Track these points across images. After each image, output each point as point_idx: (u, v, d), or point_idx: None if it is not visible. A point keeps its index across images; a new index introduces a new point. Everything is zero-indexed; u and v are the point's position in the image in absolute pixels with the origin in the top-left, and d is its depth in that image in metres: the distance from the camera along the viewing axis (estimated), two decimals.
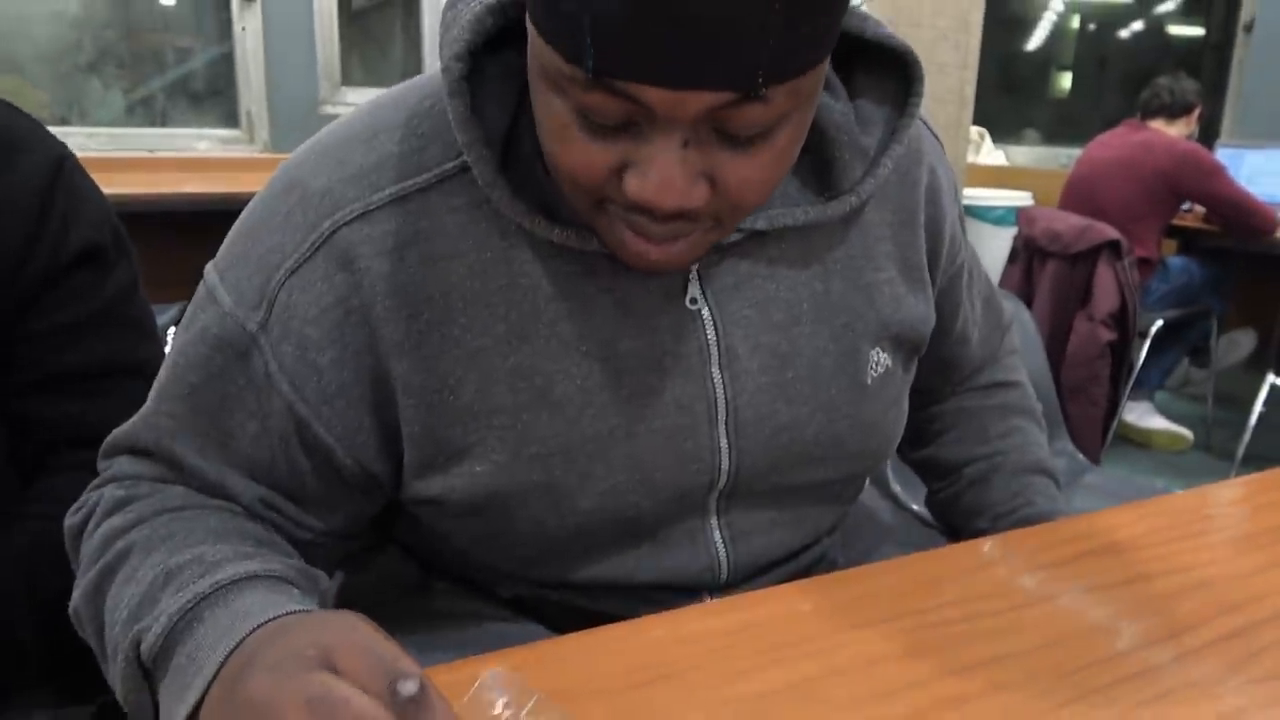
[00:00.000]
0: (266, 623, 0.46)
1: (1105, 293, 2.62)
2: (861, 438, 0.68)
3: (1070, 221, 2.66)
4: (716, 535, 0.66)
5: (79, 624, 0.56)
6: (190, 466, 0.57)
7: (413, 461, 0.58)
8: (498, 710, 0.45)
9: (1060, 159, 4.16)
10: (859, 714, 0.52)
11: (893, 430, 0.71)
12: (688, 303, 0.60)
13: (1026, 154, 4.44)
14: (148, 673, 0.49)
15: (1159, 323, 2.82)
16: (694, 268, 0.60)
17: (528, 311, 0.57)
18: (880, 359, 0.68)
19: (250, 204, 0.60)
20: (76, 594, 0.55)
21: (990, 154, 4.25)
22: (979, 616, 0.61)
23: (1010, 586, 0.66)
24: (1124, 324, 2.64)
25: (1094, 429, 2.65)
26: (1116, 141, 2.84)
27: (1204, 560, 0.71)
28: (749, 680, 0.55)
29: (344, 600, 0.74)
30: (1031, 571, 0.68)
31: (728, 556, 0.67)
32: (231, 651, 0.45)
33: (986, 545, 0.74)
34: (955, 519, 0.86)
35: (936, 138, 0.72)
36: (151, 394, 0.59)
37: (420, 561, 0.73)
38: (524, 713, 0.44)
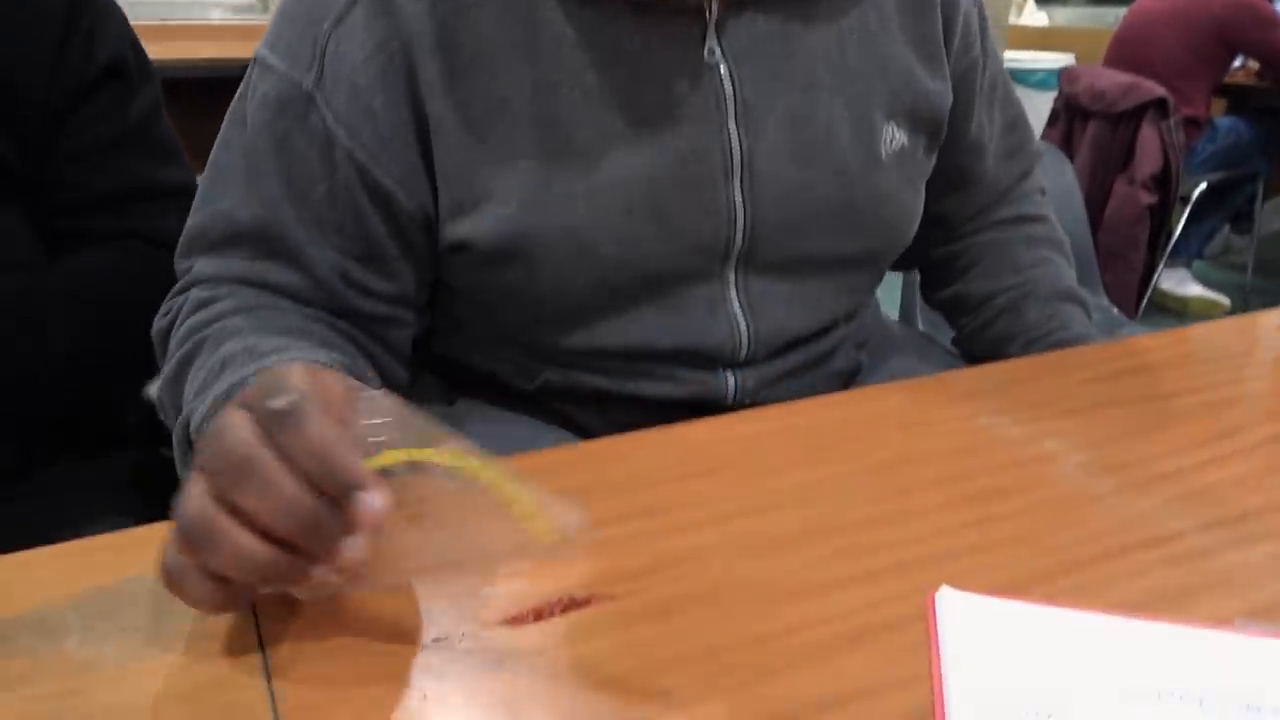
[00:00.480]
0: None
1: (1148, 154, 2.53)
2: (875, 209, 0.69)
3: (1115, 79, 2.54)
4: (735, 305, 0.67)
5: (163, 411, 0.59)
6: (269, 239, 0.59)
7: (446, 202, 0.61)
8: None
9: (1106, 19, 3.96)
10: (895, 505, 0.52)
11: (909, 210, 0.72)
12: (705, 55, 0.62)
13: (1070, 14, 4.23)
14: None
15: (1202, 186, 2.73)
16: (711, 21, 0.61)
17: (552, 61, 0.59)
18: (895, 134, 0.69)
19: None
20: (159, 383, 0.58)
21: (1032, 15, 4.06)
22: (1019, 424, 0.61)
23: (1050, 398, 0.65)
24: (1166, 187, 2.56)
25: (1129, 295, 2.61)
26: None
27: (1249, 375, 0.70)
28: (787, 475, 0.55)
29: None
30: (1072, 385, 0.68)
31: (747, 327, 0.68)
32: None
33: (1024, 362, 0.73)
34: (985, 349, 0.84)
35: None
36: (210, 180, 0.61)
37: (451, 383, 0.73)
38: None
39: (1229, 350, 0.77)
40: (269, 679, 0.39)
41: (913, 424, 0.62)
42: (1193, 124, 2.66)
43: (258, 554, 0.36)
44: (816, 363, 0.74)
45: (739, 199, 0.64)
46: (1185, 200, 2.77)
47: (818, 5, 0.65)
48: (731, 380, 0.69)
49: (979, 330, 0.85)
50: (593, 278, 0.63)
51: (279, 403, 0.37)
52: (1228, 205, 2.91)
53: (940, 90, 0.71)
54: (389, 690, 0.39)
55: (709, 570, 0.47)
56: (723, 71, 0.62)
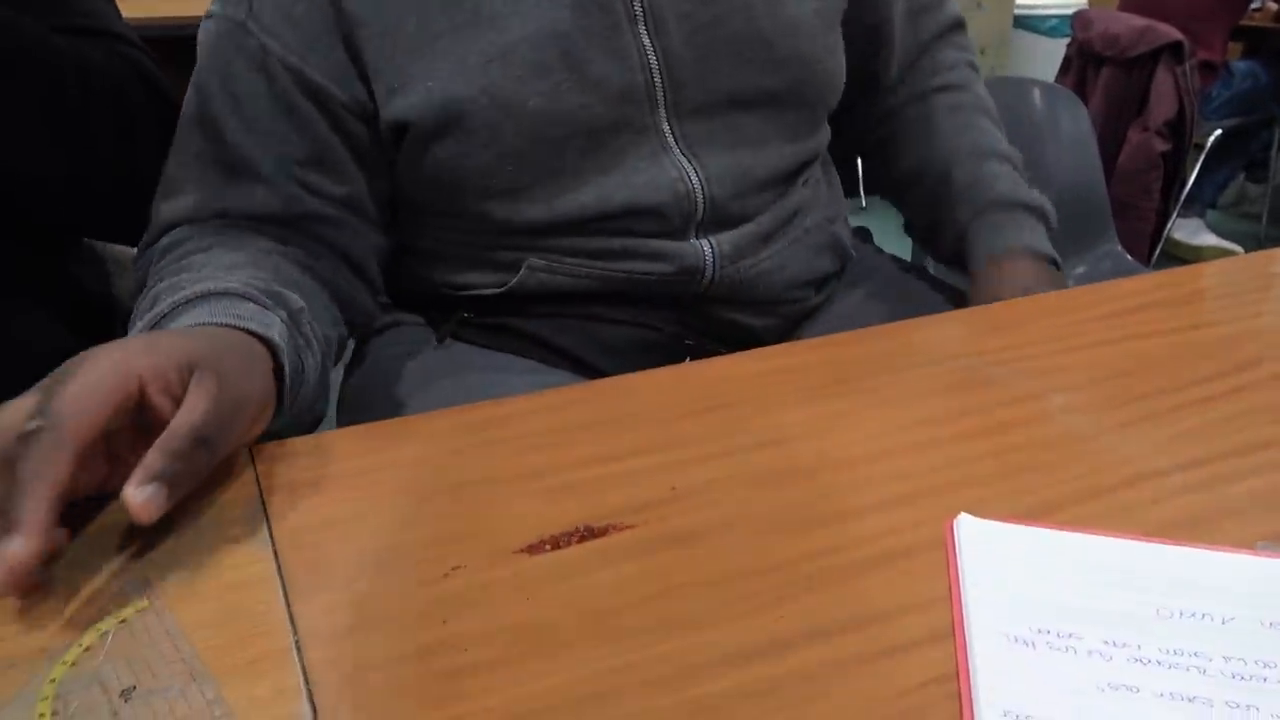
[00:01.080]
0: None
1: (1163, 100, 2.48)
2: (789, 41, 0.70)
3: (1129, 23, 2.49)
4: (677, 153, 0.69)
5: None
6: (224, 162, 0.63)
7: (379, 90, 0.64)
8: None
9: None
10: (908, 438, 0.52)
11: (824, 43, 0.74)
12: None
13: None
14: None
15: (1217, 133, 2.68)
16: None
17: None
18: None
19: None
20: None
21: None
22: (1032, 359, 0.60)
23: (1062, 334, 0.64)
24: (1180, 134, 2.52)
25: (1141, 245, 2.58)
26: None
27: (1266, 310, 0.69)
28: (799, 409, 0.55)
29: (373, 362, 0.76)
30: (1085, 322, 0.67)
31: (696, 173, 0.70)
32: None
33: (1034, 300, 0.73)
34: (930, 229, 0.87)
35: None
36: (177, 134, 0.65)
37: (436, 319, 0.76)
38: None
39: (1243, 286, 0.76)
40: (289, 607, 0.39)
41: (923, 362, 0.61)
42: (1209, 68, 2.61)
43: None
44: (788, 221, 0.76)
45: (647, 42, 0.66)
46: (1200, 148, 2.73)
47: None
48: (707, 248, 0.71)
49: (919, 209, 0.88)
50: (527, 138, 0.65)
51: (30, 425, 0.39)
52: (1243, 153, 2.86)
53: None
54: (409, 618, 0.39)
55: (725, 500, 0.46)
56: None
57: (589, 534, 0.44)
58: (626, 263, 0.71)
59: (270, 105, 0.63)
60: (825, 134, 0.82)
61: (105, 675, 0.35)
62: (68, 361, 0.42)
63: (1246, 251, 2.89)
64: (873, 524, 0.45)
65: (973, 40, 0.92)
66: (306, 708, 0.34)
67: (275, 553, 0.42)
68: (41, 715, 0.33)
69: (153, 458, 0.40)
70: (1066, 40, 2.76)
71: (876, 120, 0.88)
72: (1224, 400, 0.56)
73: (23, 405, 0.40)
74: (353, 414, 0.73)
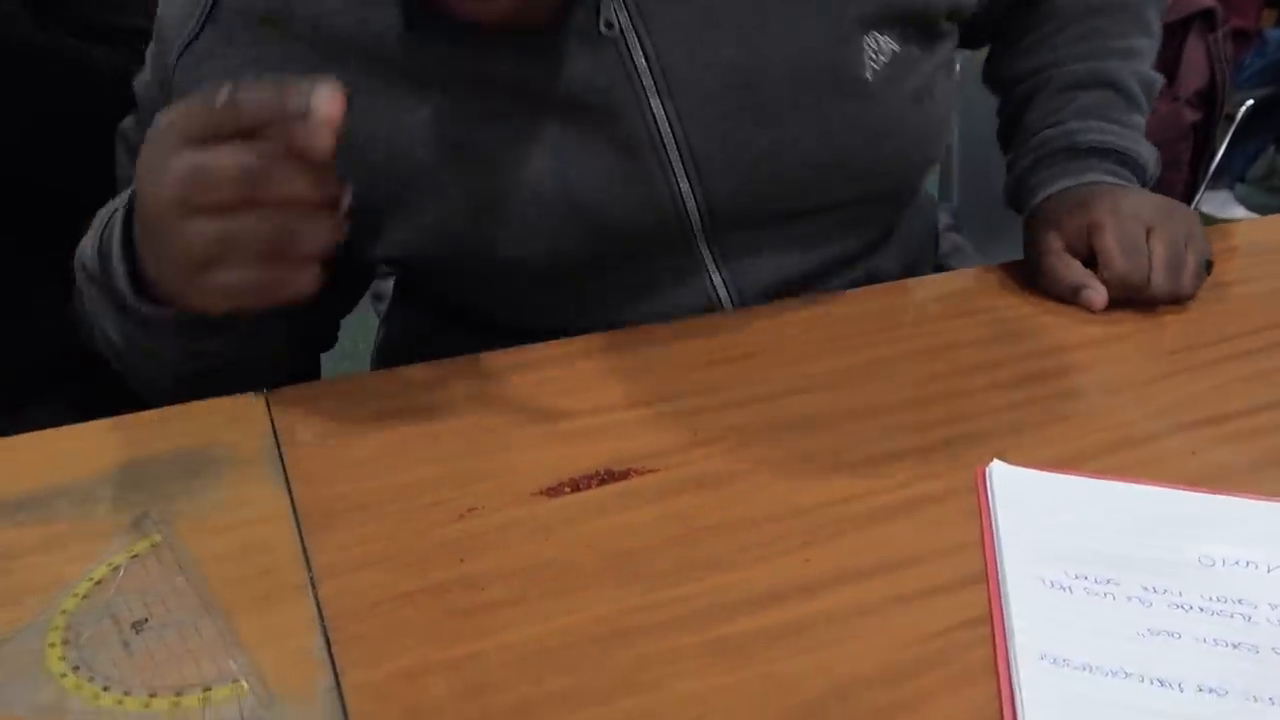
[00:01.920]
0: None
1: (1193, 69, 2.42)
2: (873, 151, 0.57)
3: None
4: (713, 275, 0.59)
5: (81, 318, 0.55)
6: None
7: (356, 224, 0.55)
8: None
9: None
10: (939, 387, 0.51)
11: (926, 126, 0.59)
12: (602, 28, 0.51)
13: None
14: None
15: (1249, 103, 2.63)
16: None
17: (421, 60, 0.51)
18: (880, 45, 0.56)
19: None
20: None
21: None
22: (1066, 312, 0.59)
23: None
24: (1211, 104, 2.46)
25: None
26: None
27: None
28: (826, 360, 0.53)
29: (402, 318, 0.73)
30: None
31: (727, 292, 0.59)
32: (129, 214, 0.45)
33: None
34: (1008, 149, 0.71)
35: None
36: None
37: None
38: None
39: (1277, 245, 0.73)
40: (303, 542, 0.38)
41: (953, 314, 0.59)
42: (1242, 36, 2.56)
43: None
44: (836, 276, 0.64)
45: (684, 186, 0.54)
46: (1230, 119, 2.67)
47: None
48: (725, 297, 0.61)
49: (1003, 126, 0.72)
50: (539, 265, 0.55)
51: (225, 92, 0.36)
52: (1274, 124, 2.80)
53: None
54: (425, 557, 0.38)
55: (750, 446, 0.45)
56: (629, 40, 0.51)
57: (610, 477, 0.43)
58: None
59: None
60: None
61: (117, 607, 0.34)
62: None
63: None
64: (901, 471, 0.43)
65: None
66: (320, 640, 0.33)
67: (290, 491, 0.41)
68: (52, 645, 0.33)
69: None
70: None
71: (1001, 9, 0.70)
72: (1261, 355, 0.54)
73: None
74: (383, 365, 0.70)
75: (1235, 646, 0.33)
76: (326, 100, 0.35)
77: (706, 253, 0.58)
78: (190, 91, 0.42)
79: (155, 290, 0.44)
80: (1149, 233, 0.59)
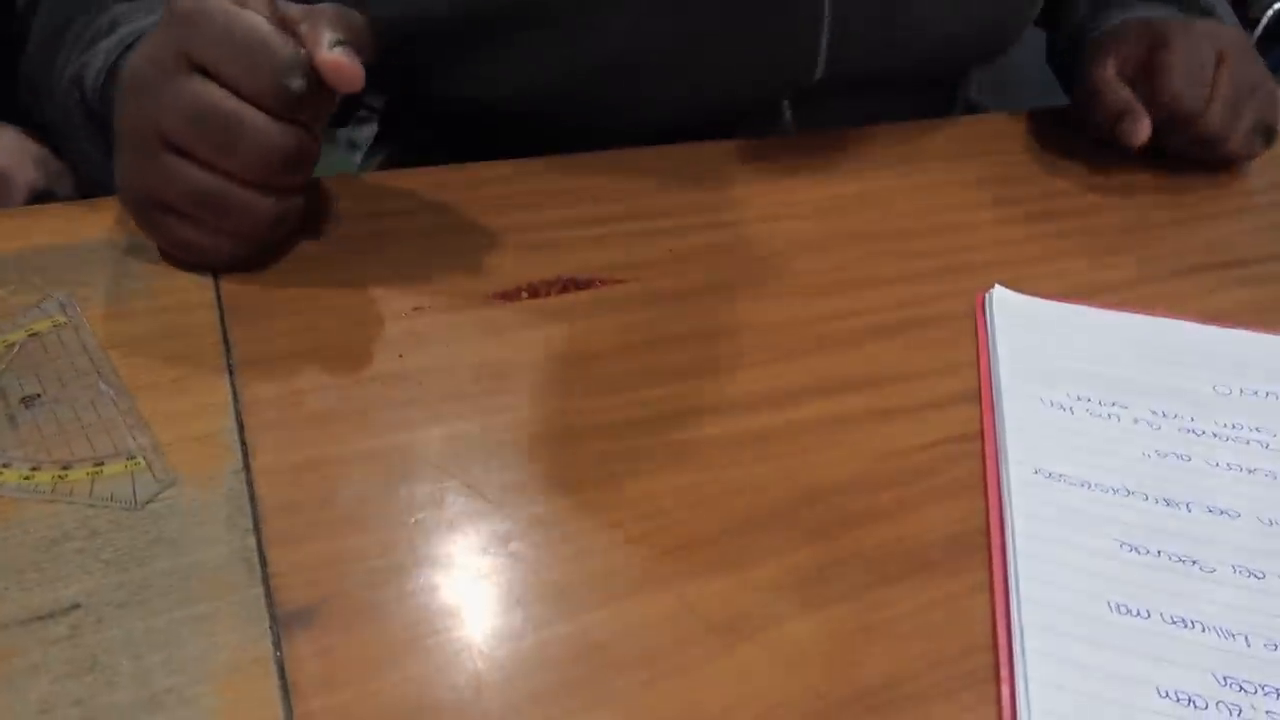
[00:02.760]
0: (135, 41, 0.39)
1: None
2: (994, 16, 0.55)
3: None
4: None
5: (31, 89, 0.49)
6: None
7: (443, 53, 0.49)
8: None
9: None
10: (943, 219, 0.46)
11: None
12: None
13: None
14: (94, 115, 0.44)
15: (1276, 6, 2.52)
16: None
17: None
18: None
19: None
20: (26, 57, 0.49)
21: None
22: (1089, 154, 0.54)
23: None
24: (1239, 6, 2.36)
25: None
26: None
27: None
28: (821, 189, 0.49)
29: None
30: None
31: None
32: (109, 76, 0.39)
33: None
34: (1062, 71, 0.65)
35: None
36: None
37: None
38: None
39: None
40: (224, 330, 0.34)
41: (961, 154, 0.55)
42: None
43: (276, 132, 0.33)
44: None
45: (823, 42, 0.51)
46: (1254, 25, 2.56)
47: None
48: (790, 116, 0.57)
49: (1056, 56, 0.65)
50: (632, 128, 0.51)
51: (298, 84, 0.33)
52: None
53: None
54: (360, 351, 0.34)
55: (728, 264, 0.41)
56: None
57: (572, 285, 0.39)
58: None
59: None
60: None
61: (6, 383, 0.31)
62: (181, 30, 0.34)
63: None
64: (895, 293, 0.39)
65: None
66: (233, 423, 0.29)
67: (216, 282, 0.37)
68: None
69: (328, 31, 0.34)
70: None
71: None
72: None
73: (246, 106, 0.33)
74: None
75: (1251, 471, 0.30)
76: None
77: (788, 114, 0.55)
78: None
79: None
80: (1219, 61, 0.51)
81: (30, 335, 0.33)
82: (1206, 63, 0.51)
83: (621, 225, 0.44)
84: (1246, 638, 0.24)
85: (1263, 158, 0.55)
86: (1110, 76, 0.52)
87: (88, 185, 0.57)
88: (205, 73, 0.33)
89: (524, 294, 0.38)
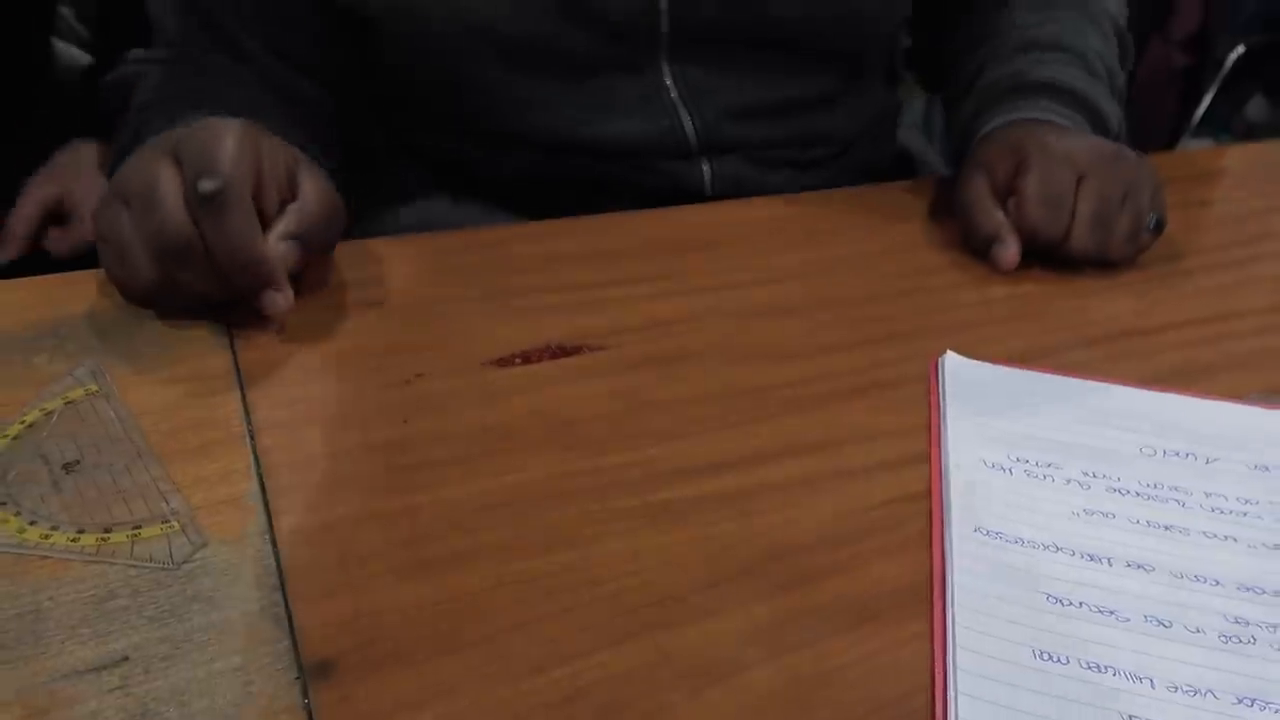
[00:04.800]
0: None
1: (1187, 10, 2.40)
2: (842, 5, 0.58)
3: None
4: (671, 93, 0.59)
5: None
6: (207, 27, 0.55)
7: None
8: None
9: None
10: (902, 284, 0.50)
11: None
12: None
13: None
14: None
15: (1240, 49, 2.60)
16: None
17: None
18: None
19: None
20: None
21: None
22: None
23: None
24: (1203, 48, 2.44)
25: None
26: None
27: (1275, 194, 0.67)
28: (789, 254, 0.53)
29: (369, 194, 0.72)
30: None
31: (690, 116, 0.60)
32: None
33: None
34: (951, 117, 0.67)
35: None
36: None
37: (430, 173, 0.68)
38: None
39: (1257, 174, 0.73)
40: (244, 398, 0.38)
41: (922, 216, 0.59)
42: None
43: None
44: (790, 141, 0.64)
45: None
46: (1220, 65, 2.65)
47: None
48: (706, 168, 0.62)
49: (952, 103, 0.67)
50: (491, 60, 0.56)
51: (208, 186, 0.37)
52: (1265, 73, 2.78)
53: None
54: (367, 416, 0.37)
55: (706, 330, 0.45)
56: None
57: (561, 352, 0.42)
58: (613, 168, 0.61)
59: None
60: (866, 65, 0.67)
61: (48, 449, 0.34)
62: (183, 130, 0.40)
63: None
64: (856, 358, 0.43)
65: None
66: (256, 487, 0.33)
67: (234, 351, 0.40)
68: None
69: (290, 221, 0.42)
70: None
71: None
72: (1224, 270, 0.55)
73: (172, 173, 0.39)
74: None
75: (1167, 528, 0.34)
76: (273, 309, 0.41)
77: (667, 69, 0.59)
78: None
79: None
80: (1079, 181, 0.52)
81: (66, 403, 0.36)
82: (1065, 189, 0.52)
83: (606, 290, 0.48)
84: (1152, 681, 0.28)
85: (1206, 225, 0.60)
86: (980, 195, 0.54)
87: None
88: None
89: (517, 360, 0.41)
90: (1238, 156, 0.79)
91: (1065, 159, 0.52)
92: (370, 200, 0.69)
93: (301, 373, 0.40)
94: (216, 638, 0.27)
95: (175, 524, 0.31)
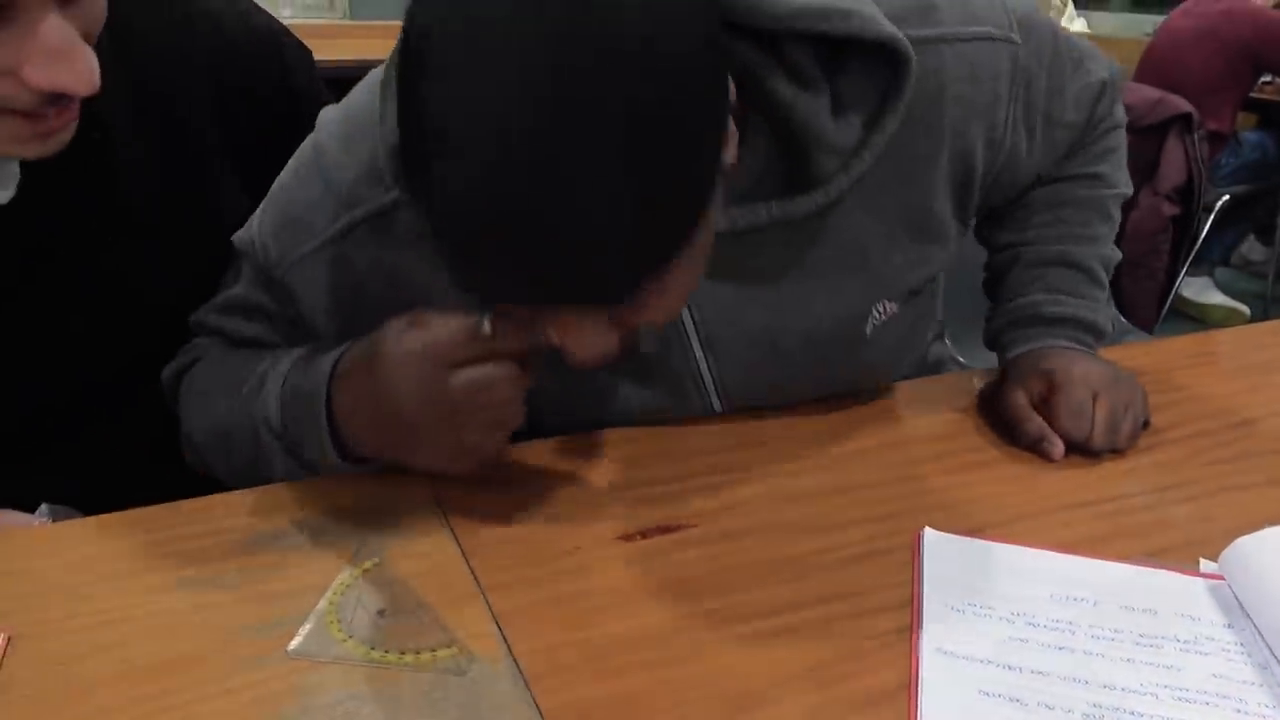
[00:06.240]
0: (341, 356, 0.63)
1: (1172, 167, 2.65)
2: (856, 376, 0.79)
3: (1143, 94, 2.67)
4: (710, 383, 0.75)
5: (190, 447, 0.73)
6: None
7: None
8: None
9: (1145, 27, 4.06)
10: (897, 472, 0.71)
11: (898, 356, 0.79)
12: None
13: (1111, 21, 4.32)
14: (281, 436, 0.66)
15: (1225, 197, 2.85)
16: None
17: None
18: (885, 309, 0.74)
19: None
20: (193, 422, 0.72)
21: (1072, 20, 4.16)
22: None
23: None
24: (1189, 199, 2.69)
25: (1150, 302, 2.74)
26: (1199, 10, 2.81)
27: (1187, 384, 0.88)
28: (819, 447, 0.74)
29: None
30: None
31: (720, 395, 0.76)
32: (334, 370, 0.63)
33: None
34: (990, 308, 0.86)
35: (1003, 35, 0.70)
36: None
37: None
38: None
39: (1178, 363, 0.94)
40: (470, 566, 0.59)
41: (920, 413, 0.80)
42: (1217, 138, 2.78)
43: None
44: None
45: (714, 405, 0.76)
46: (1209, 210, 2.89)
47: (777, 236, 0.66)
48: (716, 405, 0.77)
49: (986, 280, 0.87)
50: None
51: (485, 328, 0.56)
52: (1251, 216, 3.02)
53: (932, 256, 0.73)
54: (551, 577, 0.58)
55: (756, 511, 0.66)
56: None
57: (665, 529, 0.63)
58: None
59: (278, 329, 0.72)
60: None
61: (365, 602, 0.55)
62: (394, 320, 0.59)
63: (1252, 311, 3.05)
64: (859, 532, 0.64)
65: None
66: (494, 627, 0.53)
67: (454, 533, 0.62)
68: (330, 623, 0.53)
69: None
70: None
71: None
72: (1130, 456, 0.75)
73: (451, 322, 0.56)
74: None
75: (1061, 649, 0.53)
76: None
77: (707, 378, 0.75)
78: (300, 289, 0.67)
79: (350, 451, 0.64)
80: (1095, 397, 0.73)
81: (363, 573, 0.58)
82: (1084, 404, 0.73)
83: (685, 483, 0.69)
84: None
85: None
86: (1023, 406, 0.75)
87: None
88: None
89: (638, 536, 0.63)
90: (1164, 350, 0.99)
91: (1084, 381, 0.74)
92: None
93: (501, 546, 0.61)
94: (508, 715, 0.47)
95: (456, 649, 0.52)
